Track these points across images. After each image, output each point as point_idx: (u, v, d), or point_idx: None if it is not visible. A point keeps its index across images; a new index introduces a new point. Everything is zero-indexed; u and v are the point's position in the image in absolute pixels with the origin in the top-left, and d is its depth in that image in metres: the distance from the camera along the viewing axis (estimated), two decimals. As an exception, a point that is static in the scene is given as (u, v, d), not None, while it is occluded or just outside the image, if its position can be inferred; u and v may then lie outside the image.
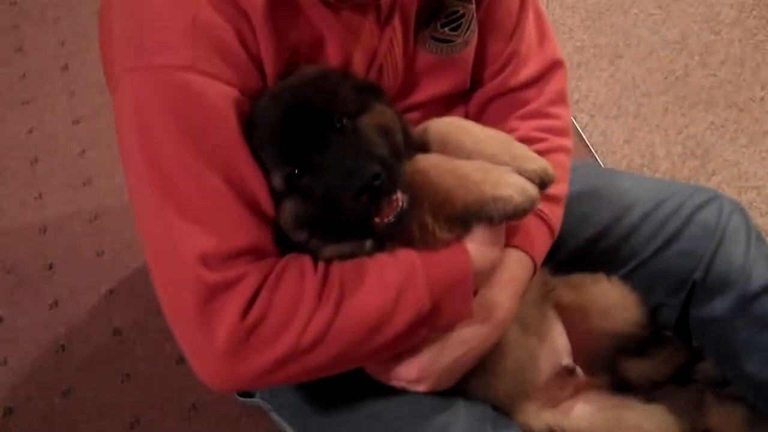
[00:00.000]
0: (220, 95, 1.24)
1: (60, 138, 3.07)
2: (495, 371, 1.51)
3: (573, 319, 1.68)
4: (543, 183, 1.35)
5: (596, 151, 2.95)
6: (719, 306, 1.64)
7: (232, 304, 1.20)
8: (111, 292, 2.53)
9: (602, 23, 3.48)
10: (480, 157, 1.37)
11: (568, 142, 1.67)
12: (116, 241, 2.67)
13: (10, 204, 2.83)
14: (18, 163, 2.97)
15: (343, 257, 1.31)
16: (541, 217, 1.55)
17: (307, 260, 1.28)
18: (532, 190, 1.31)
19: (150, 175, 1.23)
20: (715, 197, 1.72)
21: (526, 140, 1.51)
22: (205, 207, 1.22)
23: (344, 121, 1.31)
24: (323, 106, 1.30)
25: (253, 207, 1.25)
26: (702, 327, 1.70)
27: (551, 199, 1.57)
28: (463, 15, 1.55)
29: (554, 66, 1.69)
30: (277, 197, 1.29)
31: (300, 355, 1.23)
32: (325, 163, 1.26)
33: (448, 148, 1.40)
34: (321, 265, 1.28)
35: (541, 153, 1.45)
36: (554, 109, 1.67)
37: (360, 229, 1.29)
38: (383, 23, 1.45)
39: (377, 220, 1.25)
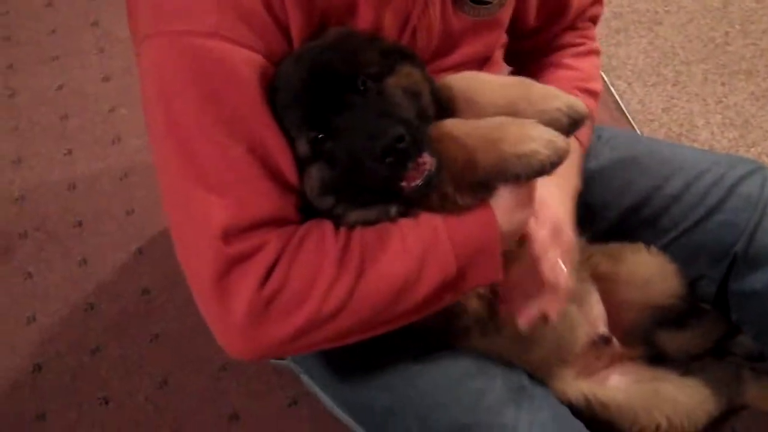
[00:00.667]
0: (244, 61, 1.23)
1: (90, 95, 3.05)
2: (532, 336, 1.48)
3: (610, 288, 1.66)
4: (573, 121, 1.30)
5: (634, 119, 2.90)
6: (760, 280, 1.61)
7: (251, 274, 1.19)
8: (140, 251, 2.52)
9: (641, -11, 3.41)
10: (498, 107, 1.32)
11: (599, 47, 1.79)
12: (146, 199, 2.66)
13: (39, 160, 2.83)
14: (47, 119, 2.97)
15: (368, 223, 1.28)
16: None
17: (328, 227, 1.26)
18: (559, 140, 1.24)
19: (171, 143, 1.22)
20: (758, 169, 1.69)
21: (566, 45, 1.71)
22: (225, 176, 1.20)
23: (368, 83, 1.28)
24: (346, 68, 1.27)
25: (276, 175, 1.23)
26: (741, 301, 1.67)
27: (588, 92, 1.64)
28: None
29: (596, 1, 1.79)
30: (302, 164, 1.27)
31: (322, 323, 1.22)
32: (347, 127, 1.23)
33: (471, 104, 1.35)
34: (342, 232, 1.26)
35: (581, 55, 1.62)
36: (585, 23, 1.78)
37: (386, 194, 1.25)
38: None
39: (404, 183, 1.21)
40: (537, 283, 1.41)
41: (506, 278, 1.35)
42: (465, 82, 1.38)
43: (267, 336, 1.21)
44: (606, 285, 1.66)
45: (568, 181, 1.57)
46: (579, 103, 1.31)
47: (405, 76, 1.33)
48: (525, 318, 1.42)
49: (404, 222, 1.27)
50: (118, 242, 2.56)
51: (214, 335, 1.24)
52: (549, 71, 1.71)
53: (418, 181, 1.21)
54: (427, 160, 1.21)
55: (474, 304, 1.42)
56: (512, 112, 1.30)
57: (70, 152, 2.84)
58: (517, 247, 1.39)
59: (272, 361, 2.18)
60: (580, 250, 1.62)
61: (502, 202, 1.29)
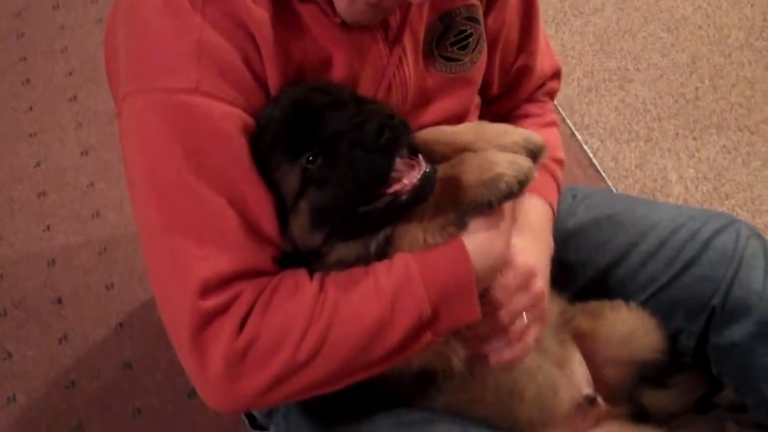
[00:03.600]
0: (225, 116, 1.24)
1: (68, 170, 3.05)
2: (515, 399, 1.48)
3: (592, 347, 1.66)
4: (532, 153, 1.33)
5: (608, 177, 2.93)
6: (738, 332, 1.62)
7: (226, 326, 1.19)
8: (121, 325, 2.50)
9: (611, 48, 3.47)
10: (457, 151, 1.35)
11: (557, 120, 1.82)
12: (125, 273, 2.65)
13: (18, 237, 2.81)
14: (26, 196, 2.95)
15: (347, 262, 1.29)
16: (546, 170, 1.61)
17: (302, 274, 1.27)
18: (521, 160, 1.28)
19: (152, 196, 1.24)
20: (731, 222, 1.70)
21: (528, 115, 1.75)
22: (204, 230, 1.21)
23: (347, 99, 1.31)
24: (324, 98, 1.29)
25: (254, 228, 1.24)
26: (721, 353, 1.67)
27: (554, 160, 1.66)
28: (471, 34, 1.55)
29: (555, 75, 1.82)
30: (293, 202, 1.28)
31: (297, 370, 1.21)
32: (336, 131, 1.25)
33: (431, 153, 1.36)
34: (316, 278, 1.26)
35: (543, 125, 1.68)
36: (544, 97, 1.82)
37: (380, 215, 1.26)
38: (392, 42, 1.44)
39: (405, 182, 1.22)
40: (493, 327, 1.41)
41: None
42: (423, 135, 1.42)
43: (244, 387, 1.21)
44: (588, 344, 1.66)
45: (543, 238, 1.58)
46: (534, 135, 1.35)
47: (382, 104, 1.37)
48: (480, 357, 1.42)
49: (378, 264, 1.28)
50: (99, 317, 2.53)
51: (194, 386, 1.25)
52: None
53: (416, 181, 1.22)
54: (422, 161, 1.24)
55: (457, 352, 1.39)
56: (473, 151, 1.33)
57: (48, 228, 2.82)
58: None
59: (256, 431, 2.16)
60: (561, 312, 1.63)
61: (474, 233, 1.30)
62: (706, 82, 3.28)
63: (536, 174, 1.29)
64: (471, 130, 1.40)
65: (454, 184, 1.28)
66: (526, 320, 1.42)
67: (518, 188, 1.26)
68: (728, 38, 3.47)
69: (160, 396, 2.31)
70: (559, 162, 1.72)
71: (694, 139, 3.05)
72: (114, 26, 1.34)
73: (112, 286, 2.61)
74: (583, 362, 1.64)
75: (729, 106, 3.17)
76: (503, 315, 1.40)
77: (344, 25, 1.35)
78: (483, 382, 1.46)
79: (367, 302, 1.23)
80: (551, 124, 1.78)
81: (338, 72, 1.39)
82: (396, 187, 1.23)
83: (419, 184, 1.22)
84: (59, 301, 2.58)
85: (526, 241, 1.47)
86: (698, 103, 3.19)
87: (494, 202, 1.26)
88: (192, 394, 2.28)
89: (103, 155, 3.08)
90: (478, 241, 1.30)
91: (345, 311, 1.23)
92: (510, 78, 1.74)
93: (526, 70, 1.73)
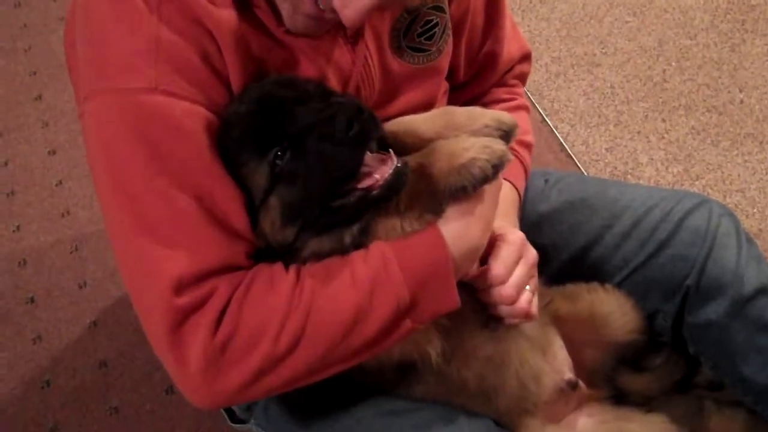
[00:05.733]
0: (186, 113, 1.24)
1: (36, 169, 3.02)
2: (498, 386, 1.48)
3: (571, 330, 1.66)
4: (504, 133, 1.33)
5: (579, 161, 2.94)
6: (714, 310, 1.63)
7: (203, 323, 1.19)
8: (95, 323, 2.48)
9: (578, 33, 3.48)
10: (427, 140, 1.35)
11: (527, 103, 1.84)
12: (98, 271, 2.63)
13: (-12, 238, 2.79)
14: (-6, 196, 2.94)
15: (322, 255, 1.28)
16: (513, 154, 1.60)
17: (277, 267, 1.26)
18: (494, 143, 1.27)
19: (119, 199, 1.23)
20: (703, 202, 1.71)
21: (497, 100, 1.76)
22: (174, 229, 1.21)
23: (312, 90, 1.30)
24: (290, 91, 1.29)
25: (224, 224, 1.24)
26: (698, 333, 1.69)
27: (522, 143, 1.69)
28: (437, 24, 1.55)
29: (524, 58, 1.83)
30: (262, 198, 1.27)
31: (278, 363, 1.21)
32: (304, 125, 1.24)
33: (402, 146, 1.36)
34: (292, 269, 1.25)
35: (512, 109, 1.70)
36: (513, 81, 1.83)
37: (352, 210, 1.26)
38: (354, 42, 1.44)
39: (376, 177, 1.22)
40: (501, 301, 1.42)
41: None
42: (392, 126, 1.41)
43: (225, 382, 1.20)
44: (567, 327, 1.67)
45: (510, 220, 1.60)
46: (505, 115, 1.35)
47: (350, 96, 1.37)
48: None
49: (354, 253, 1.27)
50: (72, 316, 2.51)
51: (175, 383, 1.24)
52: None
53: (387, 176, 1.21)
54: (393, 155, 1.23)
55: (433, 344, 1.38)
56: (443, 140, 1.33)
57: (18, 228, 2.80)
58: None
59: (234, 425, 2.15)
60: (540, 295, 1.63)
61: (451, 222, 1.30)
62: (673, 64, 3.31)
63: (511, 157, 1.29)
64: (440, 117, 1.39)
65: (427, 173, 1.28)
66: (529, 291, 1.44)
67: (492, 172, 1.25)
68: (693, 20, 3.49)
69: (137, 393, 2.30)
70: (527, 146, 1.74)
71: (663, 121, 3.07)
72: (72, 22, 1.34)
73: (84, 285, 2.59)
74: (563, 347, 1.64)
75: (696, 88, 3.19)
76: (508, 289, 1.40)
77: (290, 33, 1.35)
78: (464, 373, 1.46)
79: (344, 292, 1.23)
80: (521, 107, 1.80)
81: (305, 72, 1.39)
82: (367, 182, 1.23)
83: (390, 179, 1.22)
84: (32, 301, 2.56)
85: (500, 223, 1.48)
86: (666, 86, 3.21)
87: (468, 187, 1.26)
88: (170, 390, 2.27)
89: (70, 153, 3.06)
90: (454, 227, 1.30)
91: (322, 302, 1.22)
92: (477, 64, 1.74)
93: (492, 56, 1.74)
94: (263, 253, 1.30)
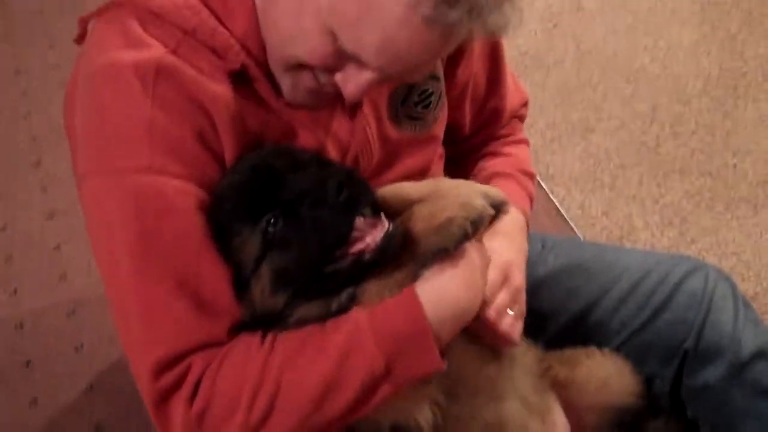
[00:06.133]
0: (179, 193, 1.26)
1: (34, 233, 3.02)
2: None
3: (570, 395, 1.65)
4: (493, 204, 1.33)
5: (575, 225, 2.95)
6: (712, 374, 1.63)
7: (181, 398, 1.21)
8: (91, 387, 2.46)
9: (572, 99, 3.52)
10: (409, 206, 1.35)
11: (527, 139, 1.86)
12: (94, 335, 2.61)
13: (-15, 302, 2.78)
14: (-8, 260, 2.94)
15: (309, 321, 1.27)
16: (516, 181, 1.65)
17: (255, 337, 1.26)
18: (473, 200, 1.27)
19: (109, 281, 1.27)
20: (700, 266, 1.72)
21: (498, 137, 1.79)
22: (154, 317, 1.23)
23: (306, 159, 1.32)
24: (283, 161, 1.30)
25: (208, 305, 1.25)
26: (696, 396, 1.69)
27: (525, 173, 1.71)
28: (433, 93, 1.58)
29: (524, 105, 1.86)
30: (254, 266, 1.27)
31: (255, 430, 1.21)
32: (296, 191, 1.25)
33: (395, 210, 1.36)
34: (269, 339, 1.25)
35: (513, 143, 1.76)
36: (514, 120, 1.85)
37: (345, 275, 1.26)
38: (352, 113, 1.46)
39: (368, 241, 1.22)
40: (482, 326, 1.39)
41: None
42: (383, 190, 1.42)
43: None
44: (566, 392, 1.65)
45: (517, 241, 1.59)
46: (493, 189, 1.36)
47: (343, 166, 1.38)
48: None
49: (330, 321, 1.26)
50: (68, 380, 2.49)
51: None
52: (486, 159, 1.77)
53: (378, 240, 1.22)
54: (384, 219, 1.24)
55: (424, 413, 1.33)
56: None
57: (15, 292, 2.79)
58: None
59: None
60: (538, 361, 1.63)
61: (428, 282, 1.28)
62: (667, 129, 3.34)
63: (491, 211, 1.29)
64: (428, 185, 1.40)
65: (407, 236, 1.28)
66: (512, 315, 1.42)
67: (472, 229, 1.25)
68: (686, 87, 3.55)
69: (132, 457, 2.28)
70: (530, 175, 1.76)
71: (658, 185, 3.09)
72: (72, 93, 1.37)
73: (81, 348, 2.58)
74: (562, 413, 1.62)
75: (690, 153, 3.22)
76: (490, 313, 1.38)
77: (289, 105, 1.38)
78: None
79: (314, 361, 1.22)
80: (521, 141, 1.82)
81: (304, 143, 1.41)
82: (359, 246, 1.23)
83: (382, 243, 1.22)
84: (28, 364, 2.54)
85: (501, 243, 1.48)
86: (660, 150, 3.24)
87: (450, 247, 1.26)
88: (166, 456, 2.24)
89: (68, 219, 3.06)
90: (431, 286, 1.27)
91: (292, 372, 1.22)
92: (481, 119, 1.77)
93: (496, 111, 1.77)
94: (247, 324, 1.30)
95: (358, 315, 1.25)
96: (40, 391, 2.46)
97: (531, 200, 1.73)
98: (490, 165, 1.74)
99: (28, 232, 3.03)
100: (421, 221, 1.27)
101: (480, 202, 1.28)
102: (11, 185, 3.22)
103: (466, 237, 1.26)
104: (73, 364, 2.54)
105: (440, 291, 1.27)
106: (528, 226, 1.66)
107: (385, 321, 1.24)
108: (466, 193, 1.32)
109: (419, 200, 1.35)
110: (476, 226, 1.26)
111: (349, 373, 1.22)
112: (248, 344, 1.25)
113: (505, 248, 1.48)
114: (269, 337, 1.26)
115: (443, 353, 1.27)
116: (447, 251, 1.26)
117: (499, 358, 1.49)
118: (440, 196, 1.34)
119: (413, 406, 1.32)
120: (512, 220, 1.57)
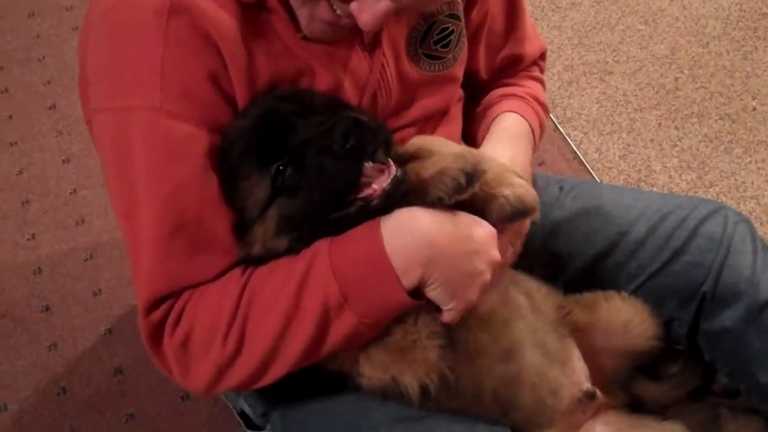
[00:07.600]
0: (188, 137, 1.27)
1: (50, 177, 3.03)
2: (517, 398, 1.47)
3: (589, 339, 1.65)
4: (517, 210, 1.34)
5: (592, 168, 2.94)
6: (729, 317, 1.63)
7: (167, 325, 1.26)
8: (110, 331, 2.49)
9: (590, 41, 3.49)
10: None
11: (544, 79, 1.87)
12: (112, 279, 2.63)
13: (3, 246, 2.79)
14: (9, 205, 2.93)
15: None
16: (526, 102, 1.69)
17: (237, 269, 1.29)
18: (468, 154, 1.28)
19: (118, 214, 1.31)
20: (719, 208, 1.71)
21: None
22: (154, 251, 1.26)
23: (317, 103, 1.32)
24: (292, 106, 1.30)
25: (206, 246, 1.28)
26: (713, 340, 1.68)
27: (540, 104, 1.74)
28: (453, 32, 1.56)
29: (542, 56, 1.86)
30: (260, 211, 1.28)
31: (231, 361, 1.26)
32: (303, 140, 1.25)
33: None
34: (247, 272, 1.28)
35: (526, 77, 1.77)
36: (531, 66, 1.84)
37: (351, 221, 1.25)
38: (371, 49, 1.45)
39: (375, 187, 1.22)
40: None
41: None
42: (422, 140, 1.43)
43: (196, 376, 1.29)
44: (585, 336, 1.66)
45: (521, 143, 1.62)
46: (525, 189, 1.36)
47: (355, 110, 1.37)
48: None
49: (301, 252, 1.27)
50: (87, 324, 2.51)
51: None
52: (499, 88, 1.77)
53: (386, 185, 1.21)
54: (392, 164, 1.23)
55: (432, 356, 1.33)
56: None
57: (33, 237, 2.81)
58: None
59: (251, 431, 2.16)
60: (558, 306, 1.62)
61: (396, 214, 1.25)
62: (686, 72, 3.31)
63: (487, 167, 1.28)
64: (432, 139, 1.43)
65: (418, 184, 1.27)
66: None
67: (466, 180, 1.23)
68: (705, 29, 3.50)
69: (153, 400, 2.30)
70: (542, 105, 1.76)
71: (676, 128, 3.07)
72: (86, 33, 1.37)
73: (99, 292, 2.60)
74: (581, 357, 1.63)
75: (709, 95, 3.19)
76: None
77: (307, 39, 1.37)
78: (477, 392, 1.43)
79: (278, 290, 1.24)
80: (537, 78, 1.84)
81: (321, 82, 1.40)
82: (366, 192, 1.23)
83: (389, 188, 1.22)
84: (47, 308, 2.56)
85: (503, 149, 1.52)
86: (678, 93, 3.21)
87: (444, 198, 1.24)
88: (186, 396, 2.27)
89: (84, 162, 3.06)
90: (397, 217, 1.25)
91: (259, 302, 1.24)
92: (497, 66, 1.76)
93: (514, 58, 1.76)
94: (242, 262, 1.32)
95: (321, 243, 1.25)
96: (59, 336, 2.49)
97: (541, 127, 1.74)
98: (503, 90, 1.75)
99: (44, 176, 3.04)
100: (425, 171, 1.27)
101: (476, 155, 1.28)
102: (27, 129, 3.23)
103: (459, 188, 1.24)
104: (91, 308, 2.56)
105: (403, 222, 1.24)
106: (535, 141, 1.68)
107: (342, 249, 1.24)
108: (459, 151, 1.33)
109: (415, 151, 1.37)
110: (470, 178, 1.24)
111: (307, 300, 1.23)
112: (230, 276, 1.28)
113: (504, 153, 1.53)
114: (249, 270, 1.28)
115: (415, 289, 1.25)
116: (442, 202, 1.25)
117: (520, 309, 1.49)
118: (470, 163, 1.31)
119: (400, 383, 1.34)
120: (514, 124, 1.64)
